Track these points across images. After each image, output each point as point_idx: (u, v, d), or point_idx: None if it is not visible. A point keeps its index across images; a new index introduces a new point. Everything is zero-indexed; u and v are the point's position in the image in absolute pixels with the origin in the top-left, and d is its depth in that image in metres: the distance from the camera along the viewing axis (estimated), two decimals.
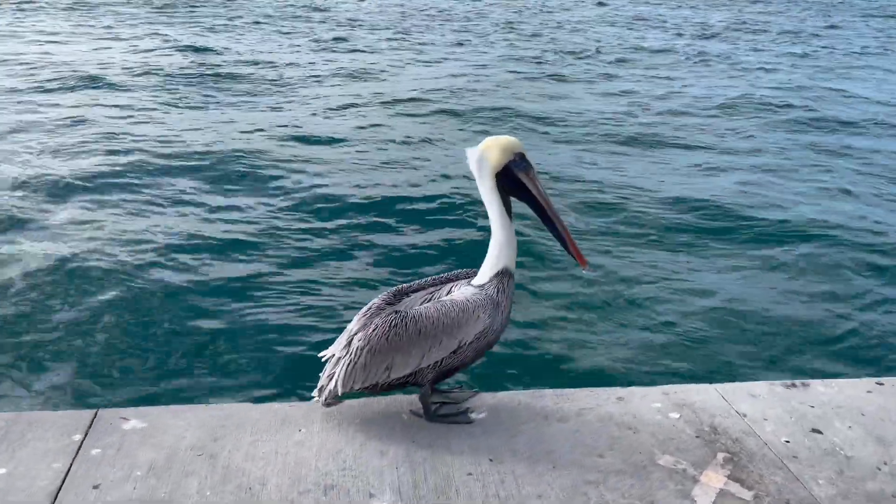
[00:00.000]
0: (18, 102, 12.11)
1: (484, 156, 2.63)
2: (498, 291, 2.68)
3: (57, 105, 12.05)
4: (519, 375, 4.51)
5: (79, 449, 2.58)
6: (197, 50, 17.35)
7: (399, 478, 2.50)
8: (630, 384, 3.32)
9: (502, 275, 2.69)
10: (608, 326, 5.27)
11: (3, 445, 2.58)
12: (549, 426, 2.81)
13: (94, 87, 13.38)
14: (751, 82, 16.03)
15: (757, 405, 3.01)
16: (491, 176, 2.63)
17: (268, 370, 4.45)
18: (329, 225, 7.41)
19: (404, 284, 2.86)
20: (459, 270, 2.88)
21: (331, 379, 2.73)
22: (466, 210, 7.75)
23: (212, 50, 17.45)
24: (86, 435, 2.65)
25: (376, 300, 2.80)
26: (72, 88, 13.21)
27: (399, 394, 2.95)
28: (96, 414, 2.79)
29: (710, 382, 3.20)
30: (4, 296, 5.56)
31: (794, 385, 3.18)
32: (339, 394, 2.73)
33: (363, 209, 7.79)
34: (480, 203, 2.73)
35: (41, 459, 2.52)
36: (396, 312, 2.67)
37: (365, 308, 2.79)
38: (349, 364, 2.69)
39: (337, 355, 2.74)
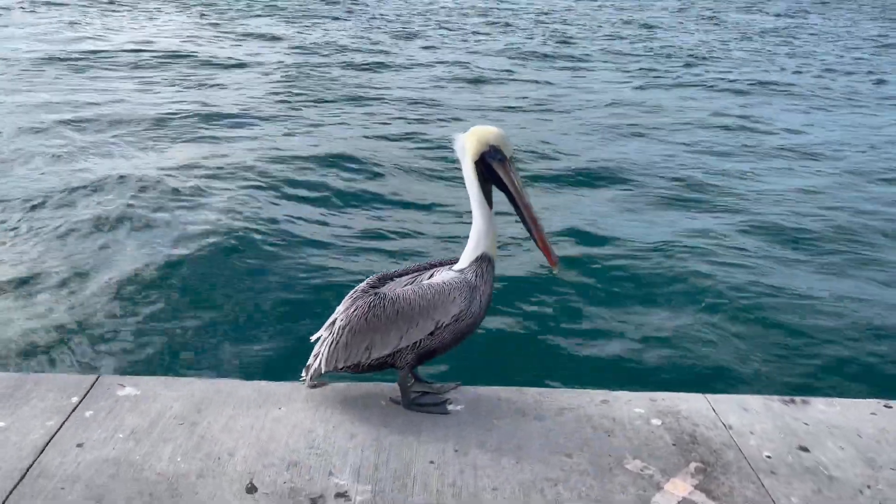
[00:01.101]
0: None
1: (465, 144, 2.68)
2: (476, 276, 2.72)
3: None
4: (510, 371, 4.50)
5: (73, 410, 2.76)
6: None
7: (362, 460, 2.56)
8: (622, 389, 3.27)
9: (481, 260, 2.74)
10: (618, 328, 5.17)
11: (9, 401, 2.79)
12: (524, 423, 2.82)
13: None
14: None
15: (746, 418, 2.92)
16: (470, 163, 2.68)
17: (284, 350, 4.65)
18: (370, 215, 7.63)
19: (388, 271, 2.94)
20: (444, 258, 2.92)
21: (316, 358, 2.85)
22: None
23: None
24: (83, 398, 2.84)
25: (362, 284, 2.88)
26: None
27: (382, 382, 3.02)
28: (97, 379, 2.97)
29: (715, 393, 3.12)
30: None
31: (792, 401, 3.07)
32: (323, 372, 2.84)
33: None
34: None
35: (38, 417, 2.71)
36: (376, 294, 2.75)
37: (351, 292, 2.88)
38: (332, 343, 2.79)
39: (322, 336, 2.85)
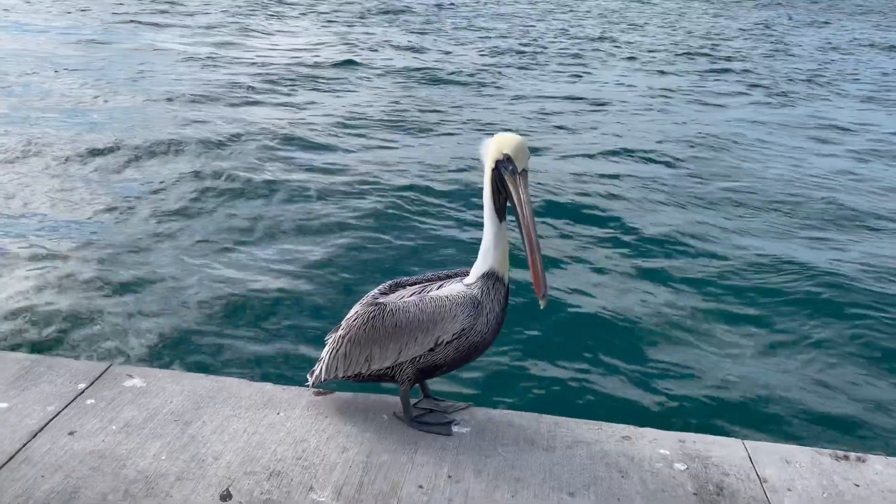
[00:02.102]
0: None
1: (485, 150, 2.49)
2: (482, 293, 2.52)
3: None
4: (535, 397, 4.22)
5: (76, 397, 2.75)
6: None
7: (347, 478, 2.42)
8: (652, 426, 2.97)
9: (487, 277, 2.54)
10: (663, 363, 4.79)
11: (19, 382, 2.82)
12: (530, 453, 2.60)
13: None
14: None
15: (786, 472, 2.59)
16: (487, 172, 2.49)
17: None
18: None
19: (404, 277, 2.79)
20: (460, 268, 2.74)
21: (320, 364, 2.75)
22: None
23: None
24: (89, 385, 2.83)
25: (374, 290, 2.75)
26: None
27: (390, 395, 2.88)
28: (108, 368, 2.97)
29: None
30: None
31: (846, 457, 2.70)
32: (323, 380, 2.74)
33: None
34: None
35: (40, 401, 2.71)
36: (377, 305, 2.61)
37: (363, 297, 2.75)
38: (332, 352, 2.69)
39: (329, 342, 2.75)
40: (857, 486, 2.54)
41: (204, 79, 14.34)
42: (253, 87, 13.84)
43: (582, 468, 2.53)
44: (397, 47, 19.51)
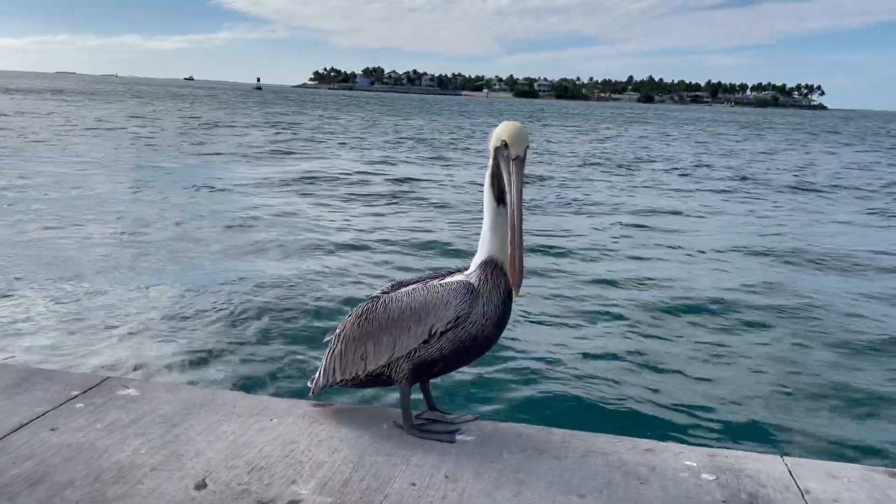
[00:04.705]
0: None
1: (491, 139, 2.42)
2: (479, 281, 2.37)
3: None
4: (548, 415, 3.89)
5: (66, 401, 2.65)
6: None
7: (334, 474, 2.22)
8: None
9: (486, 264, 2.39)
10: (705, 380, 4.40)
11: (13, 389, 2.73)
12: (538, 460, 2.36)
13: None
14: None
15: (832, 486, 2.28)
16: (491, 158, 2.41)
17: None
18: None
19: (406, 278, 2.67)
20: (463, 265, 2.61)
21: (318, 371, 2.63)
22: None
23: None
24: (82, 393, 2.73)
25: (377, 291, 2.64)
26: None
27: (391, 407, 2.70)
28: (105, 380, 2.87)
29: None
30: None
31: None
32: (322, 386, 2.60)
33: None
34: None
35: (29, 403, 2.61)
36: (372, 299, 2.49)
37: None
38: (329, 352, 2.57)
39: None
40: None
41: None
42: None
43: (595, 474, 2.28)
44: None
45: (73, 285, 7.11)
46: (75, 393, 2.72)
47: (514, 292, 2.26)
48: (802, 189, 21.44)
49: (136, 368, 4.65)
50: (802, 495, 2.21)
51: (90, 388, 2.77)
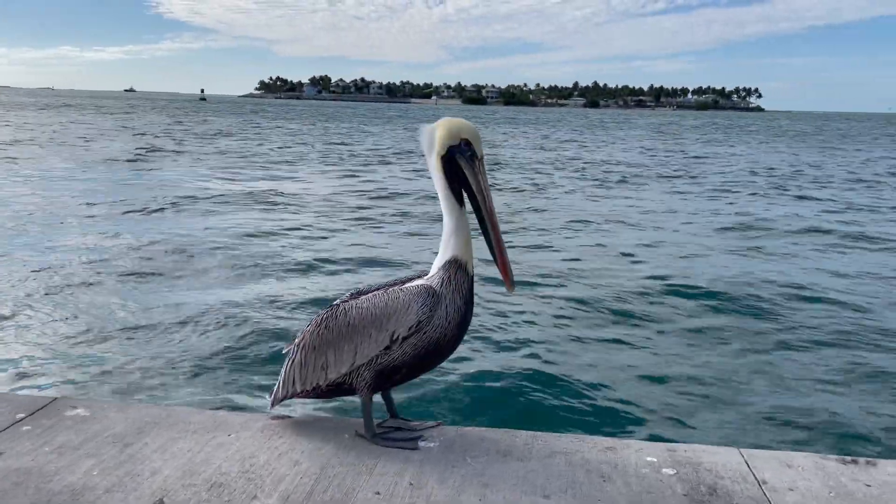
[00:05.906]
0: None
1: (433, 135, 2.39)
2: (442, 283, 2.36)
3: None
4: (511, 416, 3.93)
5: (11, 425, 2.55)
6: None
7: (296, 487, 2.18)
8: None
9: (449, 265, 2.37)
10: (668, 383, 4.49)
11: None
12: (502, 463, 2.36)
13: None
14: None
15: (787, 475, 2.33)
16: (437, 158, 2.38)
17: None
18: None
19: (365, 286, 2.64)
20: (424, 271, 2.60)
21: (277, 383, 2.57)
22: None
23: None
24: (29, 415, 2.63)
25: (337, 300, 2.60)
26: None
27: (354, 417, 2.66)
28: (53, 401, 2.77)
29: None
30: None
31: (854, 461, 2.45)
32: (281, 398, 2.54)
33: None
34: None
35: None
36: (331, 307, 2.45)
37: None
38: (289, 363, 2.51)
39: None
40: (869, 486, 2.28)
41: None
42: None
43: (559, 474, 2.29)
44: None
45: (11, 308, 6.86)
46: (21, 415, 2.62)
47: (508, 289, 2.34)
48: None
49: (85, 388, 4.51)
50: (760, 485, 2.26)
51: (37, 410, 2.67)
